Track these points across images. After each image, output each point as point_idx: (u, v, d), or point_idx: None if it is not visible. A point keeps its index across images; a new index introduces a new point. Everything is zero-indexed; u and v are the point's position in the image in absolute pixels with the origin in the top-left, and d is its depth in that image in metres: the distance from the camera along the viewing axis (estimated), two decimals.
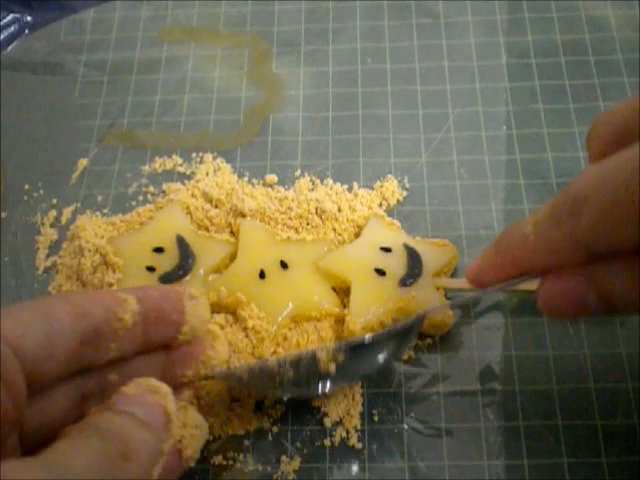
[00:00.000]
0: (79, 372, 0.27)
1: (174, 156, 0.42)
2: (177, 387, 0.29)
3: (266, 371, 0.31)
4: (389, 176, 0.40)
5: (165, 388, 0.26)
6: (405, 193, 0.40)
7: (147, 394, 0.25)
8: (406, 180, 0.40)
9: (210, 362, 0.30)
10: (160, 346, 0.29)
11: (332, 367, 0.31)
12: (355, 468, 0.32)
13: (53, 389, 0.26)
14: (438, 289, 0.35)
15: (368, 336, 0.32)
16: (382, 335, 0.32)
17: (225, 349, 0.31)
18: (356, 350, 0.32)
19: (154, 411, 0.25)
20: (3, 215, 0.41)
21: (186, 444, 0.27)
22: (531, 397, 0.33)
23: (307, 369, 0.31)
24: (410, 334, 0.33)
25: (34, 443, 0.25)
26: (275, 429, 0.33)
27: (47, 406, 0.26)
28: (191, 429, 0.27)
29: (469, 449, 0.32)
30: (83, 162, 0.43)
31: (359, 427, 0.33)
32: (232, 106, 0.44)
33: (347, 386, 0.33)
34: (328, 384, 0.31)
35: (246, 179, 0.41)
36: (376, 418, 0.33)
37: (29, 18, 0.50)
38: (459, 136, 0.42)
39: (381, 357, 0.32)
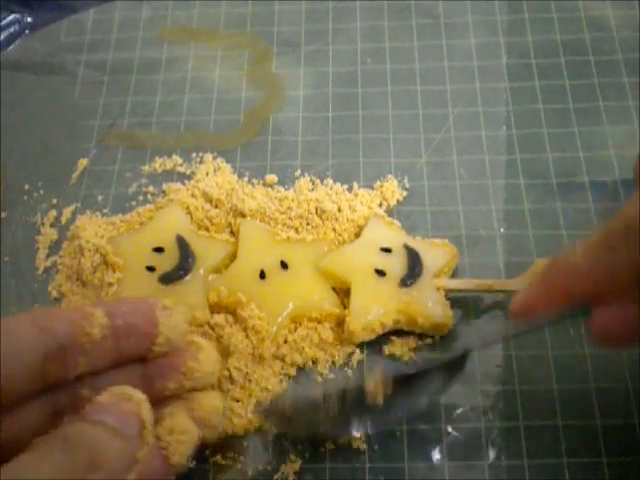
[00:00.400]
0: (49, 387, 0.27)
1: (174, 156, 0.42)
2: (162, 400, 0.29)
3: (310, 404, 0.31)
4: (389, 176, 0.40)
5: (139, 395, 0.26)
6: (405, 193, 0.40)
7: (120, 402, 0.25)
8: (406, 180, 0.40)
9: (193, 374, 0.29)
10: (135, 359, 0.29)
11: (379, 399, 0.31)
12: (355, 469, 0.32)
13: (22, 405, 0.26)
14: (438, 289, 0.35)
15: (414, 366, 0.32)
16: (429, 366, 0.32)
17: (211, 360, 0.30)
18: (402, 383, 0.31)
19: (127, 419, 0.25)
20: (3, 215, 0.41)
21: (172, 450, 0.27)
22: (531, 397, 0.33)
23: (353, 401, 0.31)
24: (457, 369, 0.32)
25: (6, 459, 0.25)
26: (275, 429, 0.33)
27: (16, 422, 0.26)
28: (178, 435, 0.27)
29: (469, 449, 0.32)
30: (83, 162, 0.43)
31: None
32: (232, 106, 0.44)
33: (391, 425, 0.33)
34: (374, 421, 0.31)
35: (246, 179, 0.41)
36: None
37: (29, 18, 0.50)
38: (459, 136, 0.42)
39: (427, 391, 0.32)
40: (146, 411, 0.25)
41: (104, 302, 0.32)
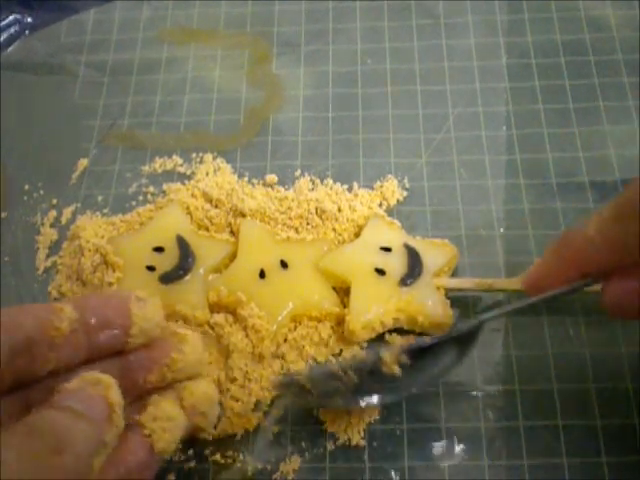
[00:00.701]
0: (21, 383, 0.27)
1: (174, 156, 0.42)
2: (148, 392, 0.29)
3: (328, 376, 0.31)
4: (389, 176, 0.40)
5: (108, 380, 0.26)
6: (405, 193, 0.40)
7: (88, 387, 0.25)
8: (406, 180, 0.40)
9: (176, 365, 0.29)
10: (112, 352, 0.29)
11: (396, 369, 0.31)
12: (355, 468, 0.32)
13: None
14: (438, 289, 0.35)
15: (429, 338, 0.32)
16: (444, 337, 0.32)
17: (195, 351, 0.30)
18: (419, 354, 0.31)
19: (93, 403, 0.25)
20: (3, 215, 0.41)
21: (157, 438, 0.27)
22: (531, 397, 0.33)
23: (371, 372, 0.31)
24: (470, 341, 0.32)
25: None
26: (275, 429, 0.33)
27: None
28: (162, 422, 0.27)
29: (469, 449, 0.32)
30: (83, 162, 0.43)
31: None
32: (232, 106, 0.44)
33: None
34: (391, 393, 0.31)
35: (246, 179, 0.41)
36: (376, 418, 0.33)
37: (30, 19, 0.50)
38: (459, 136, 0.42)
39: (442, 363, 0.32)
40: (114, 394, 0.25)
41: (75, 297, 0.31)
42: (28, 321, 0.26)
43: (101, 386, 0.25)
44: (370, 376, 0.31)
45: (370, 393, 0.31)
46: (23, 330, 0.26)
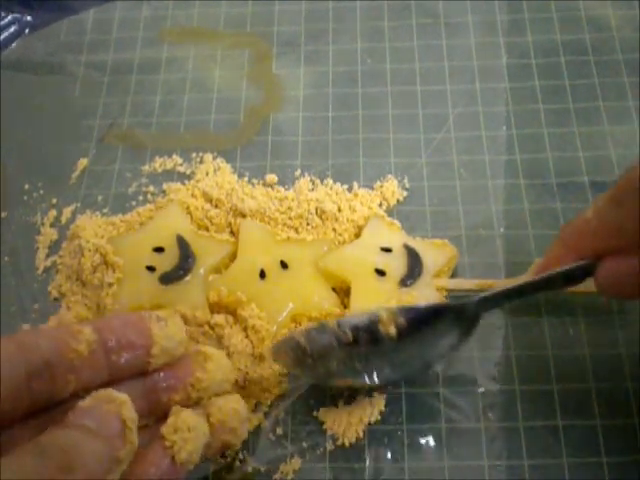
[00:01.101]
0: (40, 406, 0.26)
1: (174, 156, 0.42)
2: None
3: (325, 332, 0.30)
4: (389, 176, 0.40)
5: (122, 397, 0.25)
6: (405, 193, 0.40)
7: (101, 405, 0.25)
8: (406, 180, 0.40)
9: (200, 384, 0.29)
10: (134, 373, 0.29)
11: (393, 330, 0.30)
12: (355, 468, 0.32)
13: (15, 426, 0.26)
14: (438, 289, 0.35)
15: (425, 303, 0.32)
16: (441, 305, 0.32)
17: (221, 369, 0.30)
18: (417, 331, 0.30)
19: (107, 419, 0.25)
20: (3, 215, 0.41)
21: (178, 449, 0.27)
22: (531, 397, 0.33)
23: (368, 332, 0.30)
24: (470, 324, 0.31)
25: None
26: (275, 429, 0.33)
27: (10, 443, 0.25)
28: (183, 433, 0.27)
29: (469, 449, 0.32)
30: (83, 162, 0.43)
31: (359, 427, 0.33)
32: (232, 106, 0.44)
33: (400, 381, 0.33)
34: (387, 370, 0.31)
35: (246, 179, 0.41)
36: (376, 418, 0.33)
37: (29, 18, 0.50)
38: (459, 136, 0.42)
39: (441, 345, 0.32)
40: (128, 410, 0.25)
41: (95, 320, 0.31)
42: (45, 343, 0.26)
43: (114, 403, 0.25)
44: (367, 337, 0.30)
45: (367, 359, 0.31)
46: (40, 353, 0.25)
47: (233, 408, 0.30)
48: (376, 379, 0.32)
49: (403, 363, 0.32)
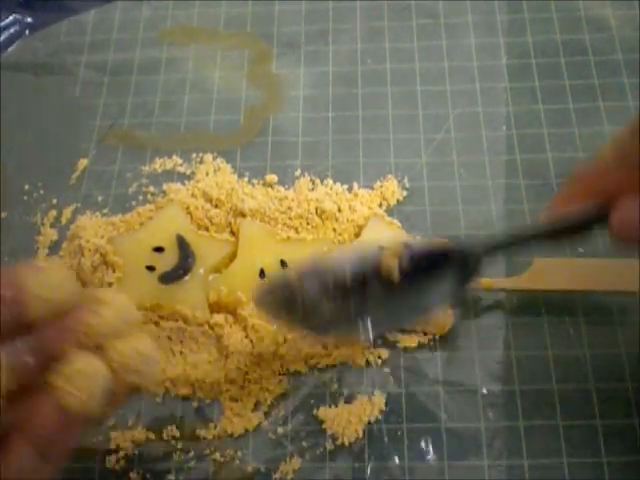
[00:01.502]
0: None
1: (174, 156, 0.42)
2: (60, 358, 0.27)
3: (319, 271, 0.29)
4: (389, 176, 0.40)
5: None
6: (405, 193, 0.40)
7: None
8: (406, 180, 0.40)
9: (92, 331, 0.27)
10: (16, 329, 0.27)
11: (395, 272, 0.28)
12: (355, 468, 0.32)
13: None
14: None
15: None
16: (438, 249, 0.30)
17: (118, 312, 0.28)
18: (417, 268, 0.29)
19: None
20: (3, 215, 0.41)
21: (68, 396, 0.25)
22: (531, 397, 0.33)
23: (367, 272, 0.29)
24: (469, 272, 0.30)
25: None
26: (275, 429, 0.33)
27: None
28: (76, 380, 0.25)
29: (469, 449, 0.32)
30: (83, 162, 0.43)
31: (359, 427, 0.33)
32: (232, 106, 0.44)
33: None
34: (382, 316, 0.29)
35: (246, 179, 0.41)
36: (377, 417, 0.33)
37: (30, 19, 0.50)
38: (459, 136, 0.42)
39: (439, 291, 0.30)
40: None
41: None
42: None
43: None
44: (366, 276, 0.29)
45: (362, 302, 0.29)
46: None
47: (134, 348, 0.27)
48: (370, 327, 0.30)
49: (400, 307, 0.30)
